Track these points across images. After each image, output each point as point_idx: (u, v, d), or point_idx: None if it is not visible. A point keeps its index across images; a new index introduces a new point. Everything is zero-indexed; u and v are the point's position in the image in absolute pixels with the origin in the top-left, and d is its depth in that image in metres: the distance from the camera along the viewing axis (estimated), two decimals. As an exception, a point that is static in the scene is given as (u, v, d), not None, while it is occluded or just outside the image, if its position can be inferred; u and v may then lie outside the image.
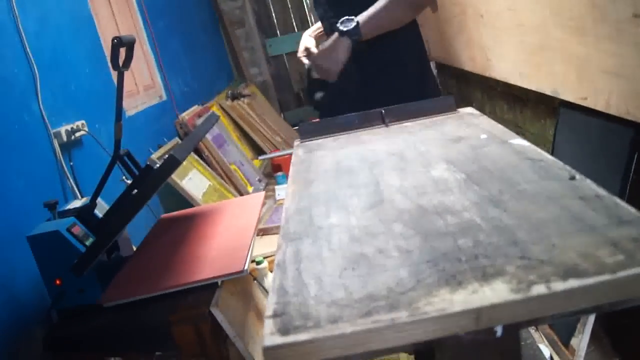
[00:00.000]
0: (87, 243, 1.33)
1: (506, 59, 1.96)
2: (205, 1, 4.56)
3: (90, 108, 2.10)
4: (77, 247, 1.30)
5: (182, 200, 2.54)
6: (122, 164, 1.46)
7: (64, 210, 1.45)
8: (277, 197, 3.03)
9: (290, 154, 1.23)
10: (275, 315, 0.51)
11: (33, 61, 1.76)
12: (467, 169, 0.81)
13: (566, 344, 1.52)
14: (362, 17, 1.41)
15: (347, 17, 1.41)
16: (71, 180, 1.83)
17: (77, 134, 1.92)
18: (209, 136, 3.05)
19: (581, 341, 1.44)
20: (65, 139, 1.84)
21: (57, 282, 1.31)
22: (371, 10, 1.41)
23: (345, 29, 1.40)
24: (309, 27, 1.93)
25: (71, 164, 1.87)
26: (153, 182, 1.32)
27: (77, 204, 1.49)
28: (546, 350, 1.65)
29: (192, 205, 2.49)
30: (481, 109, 1.20)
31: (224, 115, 3.72)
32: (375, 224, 0.68)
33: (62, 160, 1.81)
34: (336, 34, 1.43)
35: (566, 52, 1.43)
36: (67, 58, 2.05)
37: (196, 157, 2.94)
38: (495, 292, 0.48)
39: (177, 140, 2.93)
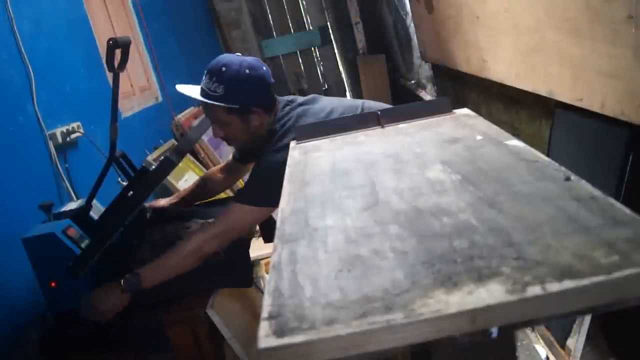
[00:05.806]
0: (83, 245, 1.32)
1: (502, 60, 1.96)
2: (201, 2, 4.55)
3: (86, 109, 2.10)
4: (72, 249, 1.30)
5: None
6: (117, 166, 1.45)
7: (59, 212, 1.44)
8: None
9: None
10: (270, 317, 0.51)
11: (28, 62, 1.76)
12: (462, 170, 0.81)
13: (562, 344, 1.52)
14: (144, 270, 1.34)
15: (132, 274, 1.34)
16: (66, 182, 1.83)
17: (73, 136, 1.92)
18: (205, 137, 3.04)
19: (577, 342, 1.44)
20: (60, 140, 1.84)
21: (52, 284, 1.31)
22: (156, 260, 1.36)
23: (127, 287, 1.32)
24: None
25: (66, 165, 1.86)
26: (149, 183, 1.32)
27: (72, 205, 1.49)
28: (542, 351, 1.66)
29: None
30: (477, 110, 1.20)
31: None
32: (371, 226, 0.68)
33: (57, 161, 1.81)
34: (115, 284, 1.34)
35: (561, 53, 1.44)
36: (62, 59, 2.04)
37: (192, 158, 2.93)
38: (490, 293, 0.48)
39: (173, 141, 2.93)
